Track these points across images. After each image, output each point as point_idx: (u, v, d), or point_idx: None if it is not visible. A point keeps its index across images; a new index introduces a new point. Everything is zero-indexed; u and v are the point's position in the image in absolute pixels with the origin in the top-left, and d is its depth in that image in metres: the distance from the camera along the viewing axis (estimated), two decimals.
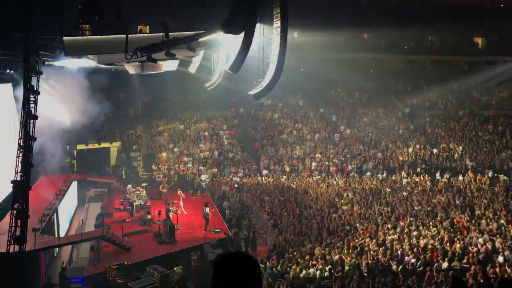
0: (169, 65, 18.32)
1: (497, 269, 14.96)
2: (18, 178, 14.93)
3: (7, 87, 21.13)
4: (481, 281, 14.02)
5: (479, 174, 30.31)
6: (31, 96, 15.45)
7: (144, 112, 37.25)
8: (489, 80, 41.14)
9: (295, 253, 17.42)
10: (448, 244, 17.76)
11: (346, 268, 15.71)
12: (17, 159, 15.07)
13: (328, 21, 36.24)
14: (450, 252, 16.85)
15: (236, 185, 28.47)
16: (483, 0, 42.13)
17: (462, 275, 14.66)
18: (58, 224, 22.41)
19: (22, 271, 14.29)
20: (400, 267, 15.74)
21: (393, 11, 43.84)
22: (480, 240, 18.04)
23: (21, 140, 15.23)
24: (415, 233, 19.15)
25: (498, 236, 18.49)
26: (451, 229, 19.57)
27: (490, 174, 30.12)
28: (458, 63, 44.66)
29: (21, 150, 15.11)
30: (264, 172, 31.43)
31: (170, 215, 21.60)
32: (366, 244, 17.95)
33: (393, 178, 30.06)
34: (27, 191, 14.96)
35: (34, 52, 15.73)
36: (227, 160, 32.71)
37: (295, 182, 29.23)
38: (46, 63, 18.91)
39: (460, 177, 29.79)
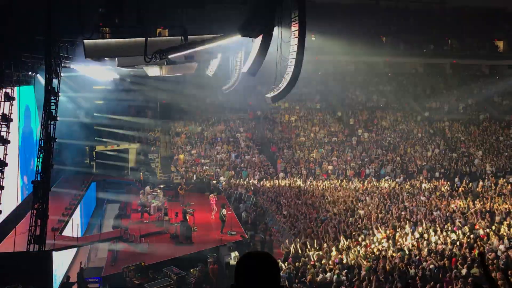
0: (187, 68, 18.48)
1: None
2: (39, 179, 15.21)
3: (29, 89, 21.55)
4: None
5: (500, 179, 29.79)
6: (52, 97, 15.73)
7: (162, 114, 37.55)
8: (510, 84, 40.44)
9: (312, 257, 17.34)
10: (467, 250, 17.49)
11: (363, 272, 15.58)
12: (38, 159, 15.35)
13: (346, 24, 36.17)
14: (469, 258, 16.58)
15: (252, 188, 28.48)
16: (505, 2, 41.45)
17: (481, 282, 14.40)
18: (77, 225, 22.71)
19: (40, 270, 14.50)
20: (418, 272, 15.55)
21: (412, 14, 43.52)
22: (501, 247, 17.71)
23: (42, 141, 15.51)
24: (433, 238, 18.90)
25: None
26: (470, 235, 19.26)
27: (511, 180, 29.58)
28: (478, 67, 44.03)
29: (41, 150, 15.39)
30: (281, 175, 31.39)
31: (187, 217, 21.70)
32: (383, 248, 17.78)
33: (412, 182, 29.74)
34: (47, 192, 15.21)
35: (55, 54, 16.02)
36: (244, 162, 32.77)
37: (312, 185, 29.12)
38: (66, 65, 19.20)
39: (480, 182, 29.33)
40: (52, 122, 15.68)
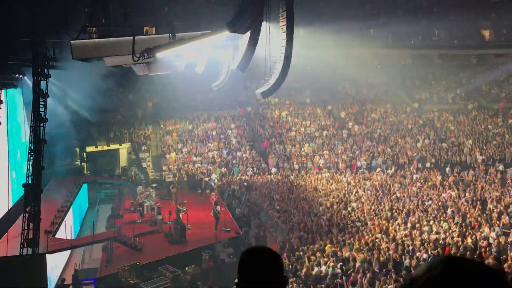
0: (176, 66, 18.35)
1: (510, 263, 14.84)
2: (30, 181, 15.09)
3: (17, 92, 21.32)
4: None
5: (490, 168, 30.10)
6: (41, 99, 15.59)
7: (152, 112, 37.40)
8: (498, 73, 40.81)
9: (306, 250, 17.41)
10: (459, 238, 17.65)
11: (358, 264, 15.68)
12: (28, 162, 15.22)
13: (334, 17, 36.13)
14: (462, 246, 16.74)
15: (245, 184, 28.50)
16: None
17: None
18: (70, 226, 22.59)
19: (35, 274, 14.41)
20: (412, 262, 15.67)
21: (399, 5, 43.59)
22: (493, 234, 17.90)
23: (32, 143, 15.38)
24: (426, 228, 19.05)
25: (511, 229, 18.33)
26: (463, 224, 19.45)
27: (500, 168, 29.88)
28: (466, 56, 44.29)
29: (31, 153, 15.26)
30: (273, 170, 31.43)
31: (181, 215, 21.67)
32: (377, 240, 17.90)
33: (403, 173, 29.93)
34: (39, 194, 15.10)
35: (42, 56, 15.86)
36: (236, 159, 32.76)
37: (304, 180, 29.21)
38: (54, 66, 19.02)
39: (471, 171, 29.60)
40: (41, 124, 15.55)
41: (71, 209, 22.90)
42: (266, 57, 12.54)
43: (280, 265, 2.12)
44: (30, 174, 15.13)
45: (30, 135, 15.56)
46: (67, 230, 19.29)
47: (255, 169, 31.54)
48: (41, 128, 15.56)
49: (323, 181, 28.61)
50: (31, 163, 15.22)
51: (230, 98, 38.06)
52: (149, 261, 17.88)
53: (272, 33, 12.10)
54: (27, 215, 14.81)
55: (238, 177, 30.11)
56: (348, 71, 38.41)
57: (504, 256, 15.70)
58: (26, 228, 14.74)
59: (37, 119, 15.41)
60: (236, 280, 2.10)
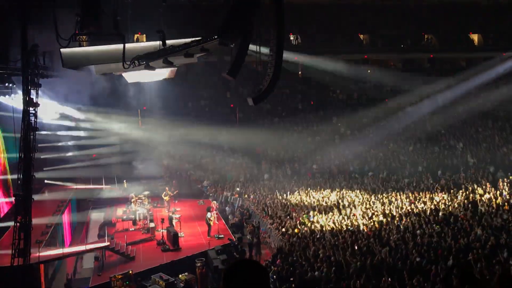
0: (167, 73, 18.33)
1: (502, 264, 14.93)
2: (21, 191, 14.97)
3: (7, 100, 21.18)
4: (487, 277, 13.98)
5: (481, 170, 30.28)
6: (31, 108, 15.50)
7: (144, 119, 37.15)
8: (487, 76, 41.15)
9: (299, 256, 17.40)
10: (452, 241, 17.73)
11: (351, 269, 15.69)
12: (19, 171, 15.10)
13: (324, 23, 36.36)
14: (454, 249, 16.82)
15: (238, 189, 28.46)
16: None
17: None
18: (62, 235, 22.42)
19: (28, 284, 14.28)
20: (406, 266, 15.71)
21: (389, 10, 43.99)
22: (484, 236, 17.99)
23: (22, 153, 15.27)
24: (418, 231, 19.12)
25: (502, 231, 18.44)
26: (455, 227, 19.54)
27: (492, 170, 30.07)
28: (455, 60, 44.68)
29: (22, 162, 15.15)
30: (266, 176, 31.40)
31: (174, 223, 21.61)
32: (370, 244, 17.93)
33: (395, 177, 30.03)
34: (30, 204, 14.98)
35: (33, 65, 15.79)
36: (228, 165, 32.69)
37: (297, 185, 29.20)
38: (44, 75, 18.94)
39: (462, 174, 29.76)
40: (32, 133, 15.45)
41: (62, 217, 22.72)
42: (257, 63, 12.57)
43: (267, 279, 2.12)
44: (20, 184, 15.01)
45: (20, 144, 15.45)
46: (59, 239, 19.16)
47: (248, 175, 31.49)
48: (32, 137, 15.46)
49: (316, 186, 28.64)
50: (21, 172, 15.10)
51: (222, 104, 38.02)
52: (142, 270, 17.77)
53: (263, 39, 12.14)
54: (18, 225, 14.68)
55: (230, 184, 30.04)
56: (339, 76, 38.69)
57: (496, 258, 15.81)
58: (17, 238, 14.60)
59: (28, 128, 15.31)
60: None
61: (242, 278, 2.12)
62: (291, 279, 15.49)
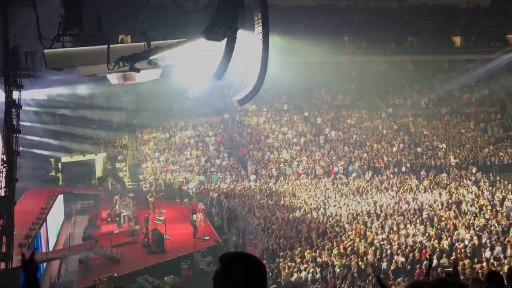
0: (152, 74, 18.23)
1: (484, 264, 15.15)
2: (3, 194, 14.74)
3: None
4: (469, 276, 14.18)
5: (463, 171, 30.74)
6: (13, 110, 15.27)
7: (128, 121, 36.91)
8: (469, 78, 41.86)
9: (285, 256, 17.43)
10: (436, 241, 17.94)
11: (337, 270, 15.77)
12: (1, 174, 14.87)
13: (308, 25, 36.51)
14: (438, 249, 17.02)
15: (225, 190, 28.40)
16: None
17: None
18: (45, 239, 22.12)
19: None
20: (390, 266, 15.86)
21: (372, 13, 44.43)
22: (467, 236, 18.25)
23: (4, 155, 15.04)
24: (403, 231, 19.31)
25: (484, 231, 18.73)
26: (439, 226, 19.78)
27: (474, 170, 30.52)
28: (438, 62, 45.28)
29: (4, 165, 14.92)
30: (252, 177, 31.42)
31: (159, 225, 21.46)
32: (355, 245, 18.05)
33: (379, 178, 30.30)
34: (12, 207, 14.76)
35: (14, 66, 15.56)
36: (214, 166, 32.64)
37: (283, 186, 29.28)
38: (27, 76, 18.68)
39: (445, 174, 30.15)
40: (15, 135, 15.22)
41: (46, 221, 22.41)
42: (243, 64, 12.60)
43: (264, 272, 2.12)
44: (3, 186, 14.79)
45: (2, 147, 15.23)
46: (42, 243, 18.89)
47: (233, 176, 31.48)
48: (14, 139, 15.23)
49: (302, 187, 28.75)
50: (3, 175, 14.88)
51: (208, 106, 37.96)
52: (127, 272, 17.60)
53: (248, 41, 12.18)
54: (0, 228, 14.45)
55: (217, 185, 29.99)
56: (324, 78, 38.87)
57: (479, 258, 16.05)
58: None
59: (9, 130, 15.08)
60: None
61: (244, 271, 2.10)
62: (278, 279, 15.51)
